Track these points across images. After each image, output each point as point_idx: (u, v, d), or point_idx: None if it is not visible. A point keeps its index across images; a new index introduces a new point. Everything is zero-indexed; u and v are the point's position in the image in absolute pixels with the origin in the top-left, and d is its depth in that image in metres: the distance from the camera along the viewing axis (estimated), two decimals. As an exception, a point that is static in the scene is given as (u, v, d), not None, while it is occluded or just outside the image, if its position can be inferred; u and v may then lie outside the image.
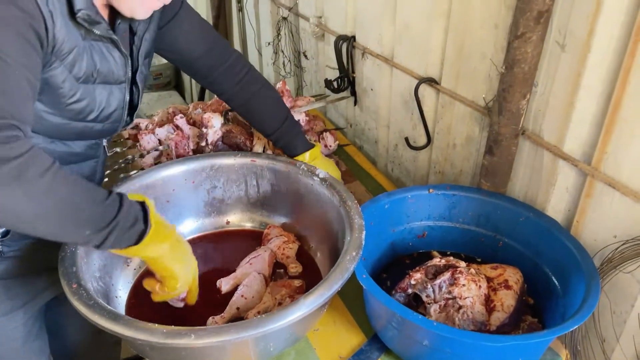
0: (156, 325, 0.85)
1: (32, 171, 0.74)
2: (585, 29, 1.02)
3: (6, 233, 1.03)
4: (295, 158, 1.32)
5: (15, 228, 0.83)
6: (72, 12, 0.87)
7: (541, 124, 1.19)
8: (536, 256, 1.19)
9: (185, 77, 4.47)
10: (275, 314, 0.88)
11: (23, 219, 0.76)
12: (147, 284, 0.99)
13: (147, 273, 1.02)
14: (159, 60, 4.15)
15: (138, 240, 0.88)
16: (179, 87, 4.80)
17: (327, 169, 1.32)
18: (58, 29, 0.85)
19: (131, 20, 1.02)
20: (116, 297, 1.13)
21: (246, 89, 1.28)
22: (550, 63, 1.12)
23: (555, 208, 1.22)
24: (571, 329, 0.89)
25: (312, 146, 1.34)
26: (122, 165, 1.63)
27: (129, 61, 1.04)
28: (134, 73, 1.08)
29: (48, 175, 0.76)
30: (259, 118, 1.33)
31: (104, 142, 1.18)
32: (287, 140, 1.32)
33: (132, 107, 1.12)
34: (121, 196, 0.88)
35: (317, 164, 1.32)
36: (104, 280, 1.09)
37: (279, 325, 0.87)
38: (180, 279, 0.96)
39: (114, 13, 0.98)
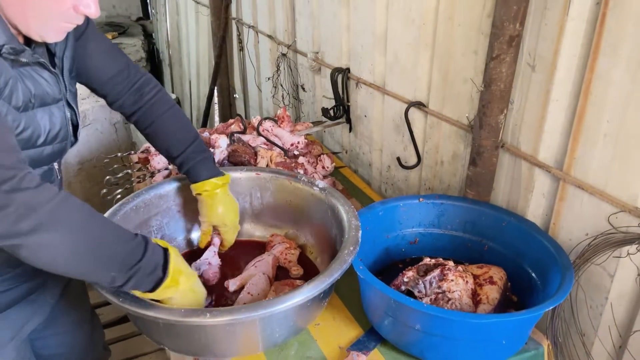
0: (174, 306, 0.95)
1: (66, 213, 0.80)
2: (551, 51, 1.17)
3: None
4: (198, 184, 1.27)
5: (48, 269, 0.85)
6: None
7: (518, 137, 1.33)
8: (518, 257, 1.30)
9: (186, 107, 4.63)
10: (281, 297, 0.97)
11: (59, 260, 0.82)
12: None
13: None
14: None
15: (155, 287, 0.95)
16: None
17: (227, 206, 1.29)
18: None
19: (47, 43, 1.02)
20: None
21: (153, 111, 1.26)
22: (523, 82, 1.27)
23: (534, 213, 1.33)
24: (549, 308, 0.99)
25: (220, 174, 1.30)
26: (127, 186, 1.76)
27: (60, 77, 1.05)
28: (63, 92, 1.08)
29: (81, 215, 0.83)
30: (163, 139, 1.28)
31: (56, 165, 1.14)
32: (192, 165, 1.27)
33: (74, 126, 1.12)
34: (146, 240, 0.94)
35: (218, 197, 1.28)
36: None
37: (284, 306, 0.96)
38: None
39: (27, 38, 0.98)
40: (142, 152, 1.93)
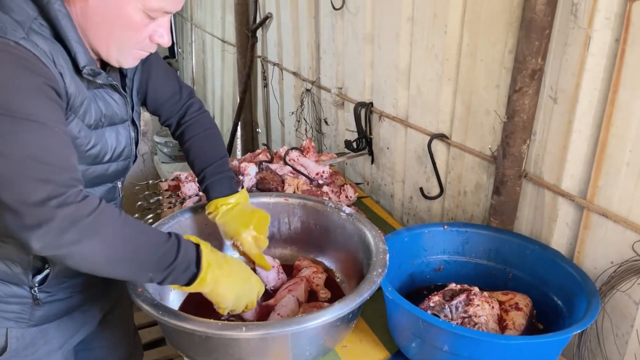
0: (211, 320, 0.99)
1: (105, 223, 0.87)
2: (572, 85, 1.23)
3: (43, 281, 1.08)
4: (214, 201, 1.31)
5: (91, 272, 0.92)
6: (77, 69, 0.96)
7: (541, 167, 1.37)
8: (543, 285, 1.32)
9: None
10: (313, 314, 1.01)
11: (100, 265, 0.89)
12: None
13: None
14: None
15: (191, 282, 1.00)
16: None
17: (238, 221, 1.29)
18: (68, 85, 0.93)
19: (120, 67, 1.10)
20: (171, 301, 1.29)
21: (192, 129, 1.35)
22: (545, 114, 1.32)
23: (559, 241, 1.36)
24: (577, 332, 1.00)
25: (233, 192, 1.33)
26: (158, 211, 1.82)
27: (129, 99, 1.14)
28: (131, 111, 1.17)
29: (119, 225, 0.90)
30: (193, 156, 1.35)
31: (119, 184, 1.21)
32: (211, 182, 1.32)
33: (136, 143, 1.21)
34: (178, 239, 0.98)
35: (223, 214, 1.30)
36: (159, 288, 1.23)
37: (315, 323, 1.00)
38: (227, 307, 1.08)
39: (103, 61, 1.06)
40: (172, 179, 2.00)
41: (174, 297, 1.32)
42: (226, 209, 1.31)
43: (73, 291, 1.17)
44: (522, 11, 1.24)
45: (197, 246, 1.03)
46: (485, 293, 1.24)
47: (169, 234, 0.99)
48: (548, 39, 1.23)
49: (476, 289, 1.25)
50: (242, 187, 1.46)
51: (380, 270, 1.15)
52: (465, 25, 1.53)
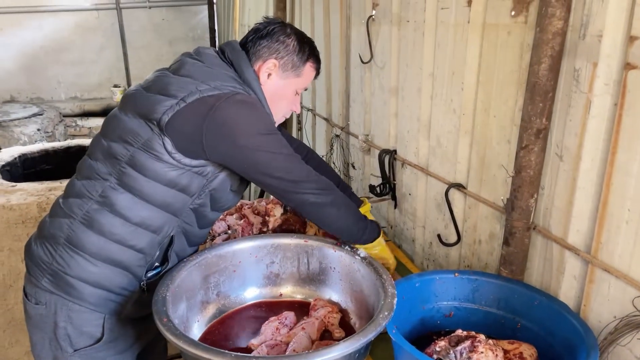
0: (227, 351, 1.09)
1: (339, 202, 1.44)
2: (575, 144, 1.30)
3: (153, 276, 1.38)
4: None
5: (321, 224, 1.49)
6: None
7: (549, 220, 1.42)
8: (549, 336, 1.35)
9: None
10: (320, 350, 1.09)
11: (332, 224, 1.47)
12: None
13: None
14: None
15: (373, 239, 1.57)
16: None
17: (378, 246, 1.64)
18: None
19: None
20: (192, 332, 1.40)
21: (310, 162, 1.60)
22: (552, 170, 1.39)
23: (567, 294, 1.39)
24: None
25: (360, 202, 1.70)
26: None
27: None
28: None
29: (345, 204, 1.47)
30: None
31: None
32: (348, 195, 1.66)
33: None
34: (368, 220, 1.57)
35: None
36: (184, 319, 1.35)
37: (321, 359, 1.08)
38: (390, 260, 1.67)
39: None
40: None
41: (197, 330, 1.42)
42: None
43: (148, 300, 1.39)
44: (527, 75, 1.33)
45: (378, 225, 1.62)
46: (491, 341, 1.29)
47: (364, 217, 1.58)
48: (552, 101, 1.31)
49: (482, 337, 1.30)
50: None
51: (386, 313, 1.23)
52: (480, 83, 1.63)
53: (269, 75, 1.43)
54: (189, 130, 1.26)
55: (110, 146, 1.32)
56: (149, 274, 1.38)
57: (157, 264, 1.40)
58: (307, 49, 1.47)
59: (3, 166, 2.96)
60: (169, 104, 1.26)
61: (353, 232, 1.50)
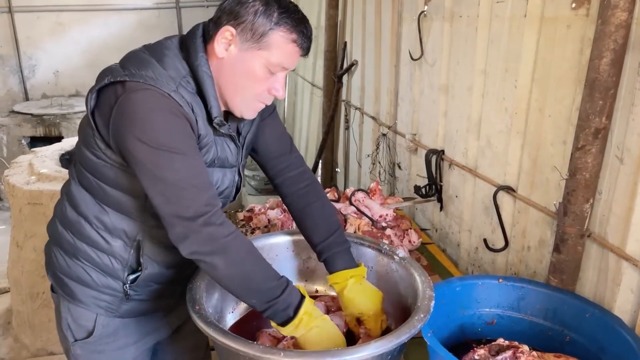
0: (255, 342, 1.07)
1: (235, 248, 1.09)
2: (638, 145, 1.19)
3: (134, 280, 1.27)
4: (332, 276, 1.36)
5: (213, 279, 1.16)
6: (209, 118, 1.16)
7: (606, 227, 1.32)
8: (600, 351, 1.25)
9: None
10: (349, 349, 1.05)
11: (219, 278, 1.12)
12: None
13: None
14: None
15: (285, 323, 1.14)
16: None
17: (360, 295, 1.33)
18: (200, 128, 1.13)
19: (239, 121, 1.26)
20: (225, 321, 1.39)
21: (304, 198, 1.40)
22: (611, 173, 1.29)
23: (622, 308, 1.29)
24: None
25: (354, 266, 1.36)
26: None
27: (241, 150, 1.30)
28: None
29: (244, 252, 1.11)
30: (309, 226, 1.40)
31: None
32: (329, 255, 1.36)
33: (237, 189, 1.35)
34: (287, 283, 1.14)
35: (350, 288, 1.33)
36: (218, 308, 1.34)
37: (350, 358, 1.04)
38: None
39: (225, 115, 1.24)
40: (247, 211, 2.15)
41: (230, 319, 1.42)
42: (354, 282, 1.34)
43: (154, 295, 1.34)
44: (587, 70, 1.24)
45: (302, 296, 1.17)
46: (535, 353, 1.21)
47: (283, 276, 1.16)
48: (613, 99, 1.21)
49: (525, 348, 1.22)
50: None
51: (422, 316, 1.17)
52: (535, 80, 1.54)
53: (228, 47, 1.13)
54: (104, 116, 1.11)
55: (78, 144, 1.26)
56: (130, 277, 1.27)
57: (136, 266, 1.28)
58: (276, 12, 1.10)
59: (63, 155, 3.11)
60: (93, 89, 1.13)
61: (244, 295, 1.15)
